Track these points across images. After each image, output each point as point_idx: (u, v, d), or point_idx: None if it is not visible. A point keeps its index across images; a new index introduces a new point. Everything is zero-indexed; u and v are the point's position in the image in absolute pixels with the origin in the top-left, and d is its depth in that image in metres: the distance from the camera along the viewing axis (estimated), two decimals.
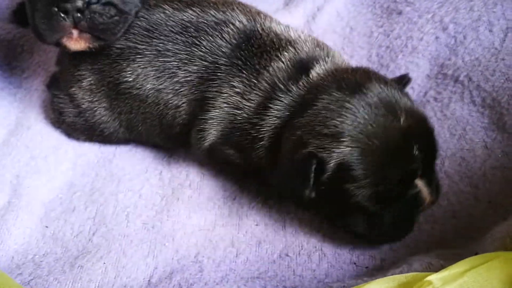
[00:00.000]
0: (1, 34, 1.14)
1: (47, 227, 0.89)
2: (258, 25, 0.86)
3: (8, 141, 1.00)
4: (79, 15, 0.79)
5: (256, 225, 0.88)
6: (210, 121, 0.84)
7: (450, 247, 0.82)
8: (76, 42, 0.83)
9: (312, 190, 0.73)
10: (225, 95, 0.82)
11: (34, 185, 0.93)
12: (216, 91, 0.83)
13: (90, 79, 0.90)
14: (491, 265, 0.62)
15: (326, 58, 0.84)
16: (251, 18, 0.87)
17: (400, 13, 1.15)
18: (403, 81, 0.84)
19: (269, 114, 0.80)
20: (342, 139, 0.71)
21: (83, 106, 0.93)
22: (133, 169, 0.96)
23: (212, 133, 0.85)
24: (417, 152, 0.73)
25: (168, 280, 0.78)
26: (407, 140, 0.72)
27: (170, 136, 0.91)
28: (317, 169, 0.72)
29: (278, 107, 0.79)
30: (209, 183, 0.93)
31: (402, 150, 0.72)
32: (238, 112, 0.82)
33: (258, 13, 0.91)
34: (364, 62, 1.11)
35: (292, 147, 0.75)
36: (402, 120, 0.73)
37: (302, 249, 0.84)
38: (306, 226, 0.87)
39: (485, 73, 0.98)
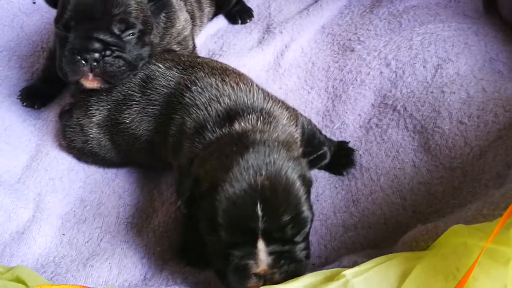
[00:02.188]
0: (21, 76, 1.37)
1: (64, 234, 1.11)
2: (216, 80, 1.02)
3: (30, 166, 1.22)
4: (95, 63, 1.03)
5: None
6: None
7: (380, 248, 1.03)
8: (91, 82, 1.07)
9: (183, 202, 0.86)
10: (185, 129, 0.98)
11: (52, 201, 1.15)
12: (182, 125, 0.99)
13: (99, 116, 1.12)
14: (391, 262, 0.83)
15: (256, 113, 0.94)
16: (216, 76, 1.04)
17: (352, 50, 1.36)
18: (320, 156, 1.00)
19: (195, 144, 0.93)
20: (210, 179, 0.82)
21: (90, 135, 1.15)
22: (131, 187, 1.19)
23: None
24: (261, 213, 0.77)
25: (159, 275, 1.01)
26: (253, 199, 0.77)
27: (159, 163, 1.13)
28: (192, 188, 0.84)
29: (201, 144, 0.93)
30: None
31: (245, 206, 0.78)
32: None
33: (223, 70, 1.08)
34: (322, 92, 1.33)
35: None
36: (259, 182, 0.78)
37: None
38: None
39: (417, 104, 1.20)
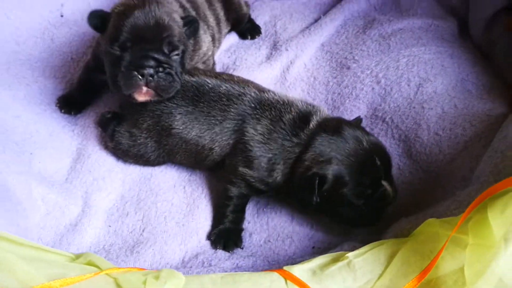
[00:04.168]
0: (57, 85, 1.55)
1: (110, 226, 1.33)
2: (265, 94, 1.29)
3: (74, 167, 1.42)
4: (150, 78, 1.19)
5: (248, 222, 1.34)
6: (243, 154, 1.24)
7: (372, 235, 1.29)
8: (143, 96, 1.23)
9: (316, 197, 1.15)
10: (252, 136, 1.23)
11: (98, 199, 1.36)
12: (246, 135, 1.24)
13: (149, 121, 1.31)
14: (382, 246, 1.09)
15: (317, 112, 1.25)
16: (260, 90, 1.30)
17: (348, 68, 1.59)
18: (359, 121, 1.33)
19: (286, 151, 1.21)
20: (331, 162, 1.15)
21: (138, 141, 1.34)
22: (165, 185, 1.40)
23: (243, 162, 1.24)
24: (379, 162, 1.16)
25: (195, 259, 1.24)
26: (371, 155, 1.16)
27: (199, 164, 1.35)
28: (320, 183, 1.15)
29: (291, 147, 1.21)
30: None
31: (369, 161, 1.15)
32: (264, 146, 1.22)
33: (263, 88, 1.33)
34: (323, 104, 1.56)
35: (303, 172, 1.18)
36: (365, 144, 1.17)
37: (279, 237, 1.31)
38: (282, 222, 1.34)
39: (402, 117, 1.45)
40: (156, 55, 1.18)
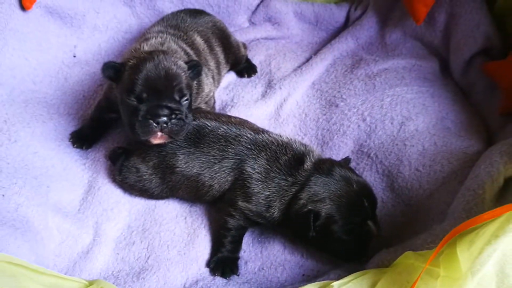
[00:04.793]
0: (70, 122, 1.69)
1: (118, 254, 1.45)
2: (260, 136, 1.41)
3: (86, 198, 1.55)
4: (165, 125, 1.31)
5: (244, 251, 1.46)
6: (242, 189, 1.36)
7: (356, 264, 1.41)
8: (158, 139, 1.34)
9: (312, 232, 1.28)
10: (251, 174, 1.35)
11: (107, 228, 1.48)
12: (244, 173, 1.36)
13: (155, 160, 1.44)
14: (365, 276, 1.21)
15: (310, 153, 1.38)
16: (255, 131, 1.42)
17: (337, 106, 1.73)
18: (347, 161, 1.44)
19: (282, 189, 1.33)
20: (325, 201, 1.29)
21: (144, 176, 1.47)
22: (168, 215, 1.52)
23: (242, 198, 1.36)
24: (366, 204, 1.29)
25: (195, 285, 1.36)
26: (360, 197, 1.29)
27: (200, 199, 1.48)
28: (314, 219, 1.28)
29: (287, 186, 1.33)
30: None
31: (358, 202, 1.29)
32: (262, 184, 1.35)
33: (258, 128, 1.46)
34: (313, 139, 1.70)
35: (299, 208, 1.30)
36: (354, 186, 1.30)
37: (271, 265, 1.42)
38: (275, 251, 1.46)
39: (386, 153, 1.58)
40: (169, 104, 1.31)
